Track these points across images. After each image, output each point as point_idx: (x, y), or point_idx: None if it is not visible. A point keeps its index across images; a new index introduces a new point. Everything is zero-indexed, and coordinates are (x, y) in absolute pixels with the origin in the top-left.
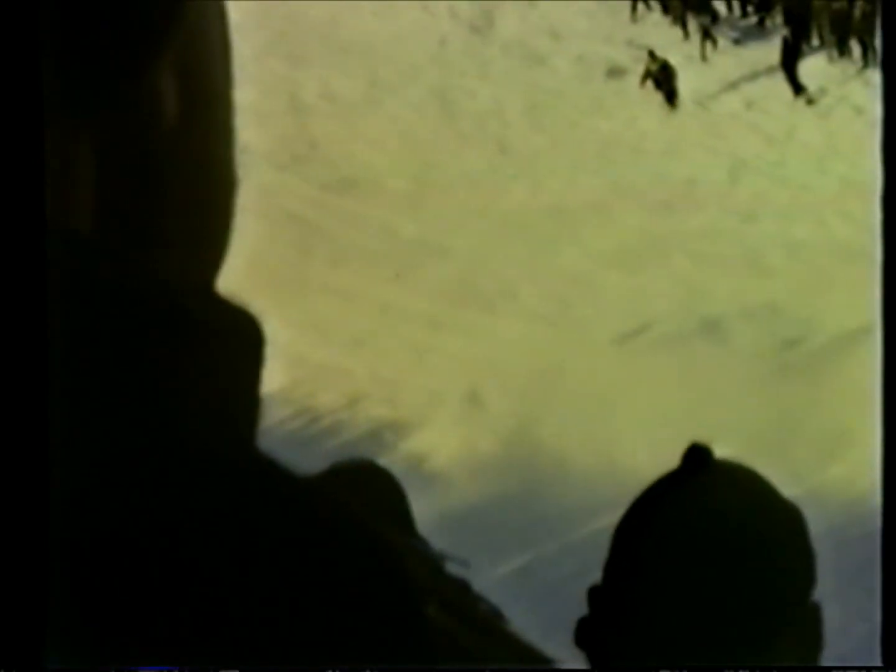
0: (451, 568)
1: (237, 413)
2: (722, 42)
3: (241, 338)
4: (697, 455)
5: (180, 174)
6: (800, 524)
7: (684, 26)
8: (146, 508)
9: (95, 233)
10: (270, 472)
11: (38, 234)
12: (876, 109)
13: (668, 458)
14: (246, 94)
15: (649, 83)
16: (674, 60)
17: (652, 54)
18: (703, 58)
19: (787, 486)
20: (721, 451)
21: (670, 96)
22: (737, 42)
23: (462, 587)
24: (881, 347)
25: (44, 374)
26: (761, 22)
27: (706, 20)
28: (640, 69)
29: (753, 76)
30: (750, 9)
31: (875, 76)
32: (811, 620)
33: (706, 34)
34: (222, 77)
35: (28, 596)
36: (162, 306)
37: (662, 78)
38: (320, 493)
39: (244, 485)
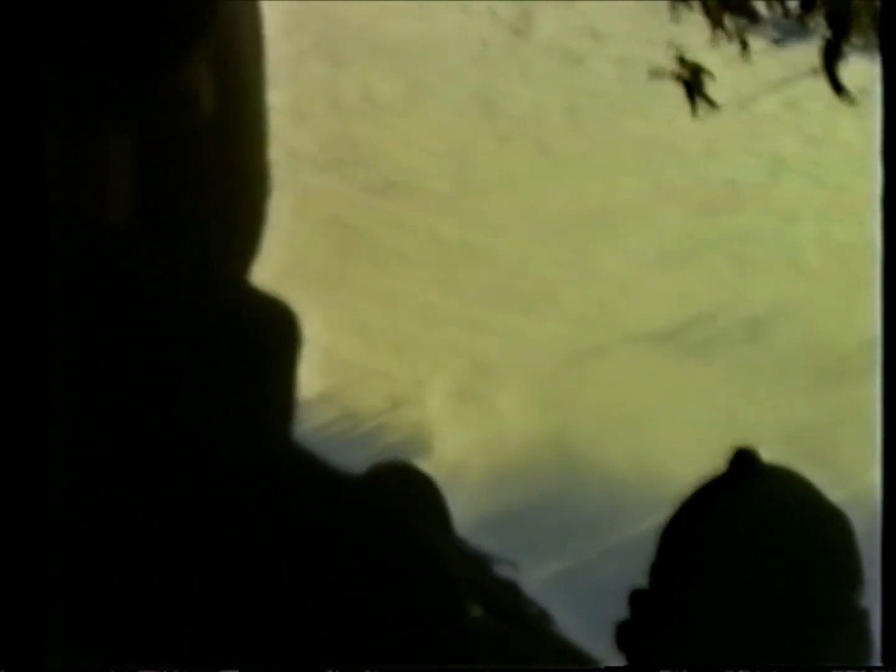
0: (499, 570)
1: (273, 405)
2: (762, 42)
3: (276, 329)
4: (744, 459)
5: (216, 166)
6: (846, 528)
7: (716, 28)
8: (162, 507)
9: (133, 226)
10: (313, 470)
11: (39, 231)
12: None
13: (708, 462)
14: (287, 97)
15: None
16: (714, 61)
17: (682, 59)
18: (744, 59)
19: (832, 490)
20: (764, 455)
21: (695, 100)
22: (777, 42)
23: (511, 589)
24: (881, 348)
25: (47, 368)
26: (802, 22)
27: (742, 23)
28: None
29: (794, 76)
30: (791, 9)
31: None
32: (860, 625)
33: (740, 37)
34: (255, 71)
35: (28, 596)
36: (197, 299)
37: (693, 83)
38: (363, 492)
39: (282, 482)
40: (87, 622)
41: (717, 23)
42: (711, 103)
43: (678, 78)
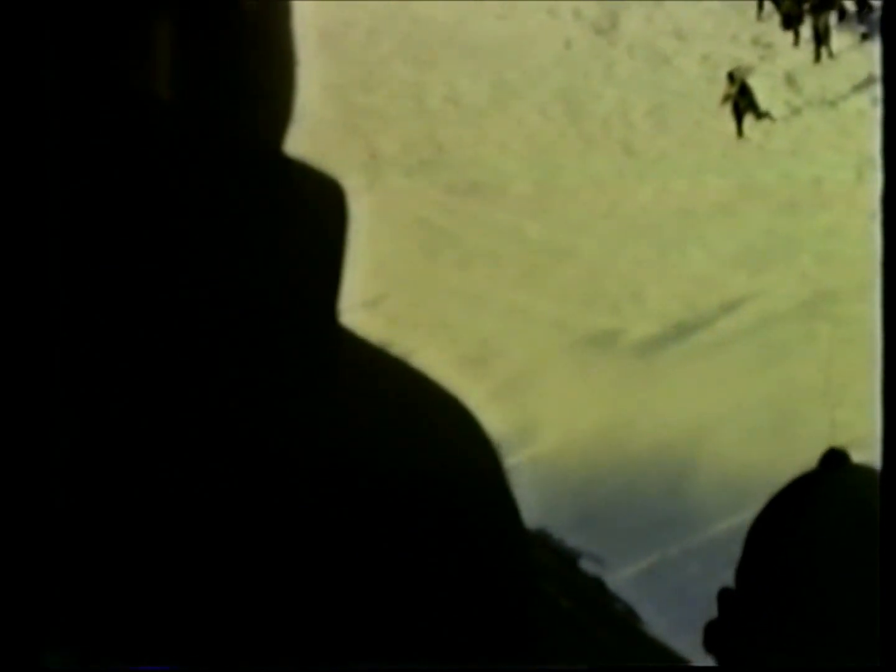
0: (586, 565)
1: (322, 284)
2: (850, 38)
3: (323, 203)
4: (835, 458)
5: (255, 49)
6: None
7: (794, 26)
8: (171, 500)
9: (173, 96)
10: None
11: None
12: None
13: (793, 461)
14: (372, 99)
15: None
16: (800, 58)
17: (731, 76)
18: (827, 56)
19: None
20: (854, 455)
21: (741, 121)
22: (865, 37)
23: (597, 585)
24: (881, 347)
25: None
26: None
27: (822, 21)
28: (765, 68)
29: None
30: (875, 4)
31: None
32: None
33: (818, 37)
34: None
35: (27, 596)
36: (237, 167)
37: (742, 100)
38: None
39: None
40: (85, 622)
41: (794, 20)
42: (761, 116)
43: (726, 97)
